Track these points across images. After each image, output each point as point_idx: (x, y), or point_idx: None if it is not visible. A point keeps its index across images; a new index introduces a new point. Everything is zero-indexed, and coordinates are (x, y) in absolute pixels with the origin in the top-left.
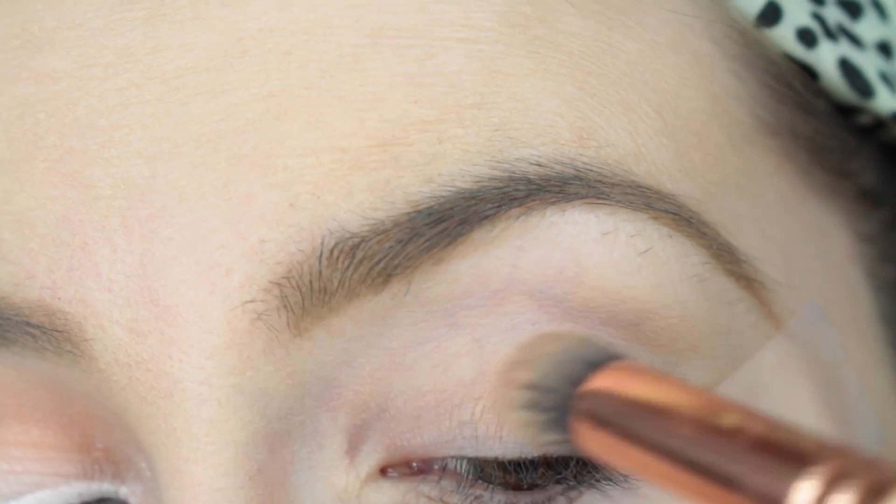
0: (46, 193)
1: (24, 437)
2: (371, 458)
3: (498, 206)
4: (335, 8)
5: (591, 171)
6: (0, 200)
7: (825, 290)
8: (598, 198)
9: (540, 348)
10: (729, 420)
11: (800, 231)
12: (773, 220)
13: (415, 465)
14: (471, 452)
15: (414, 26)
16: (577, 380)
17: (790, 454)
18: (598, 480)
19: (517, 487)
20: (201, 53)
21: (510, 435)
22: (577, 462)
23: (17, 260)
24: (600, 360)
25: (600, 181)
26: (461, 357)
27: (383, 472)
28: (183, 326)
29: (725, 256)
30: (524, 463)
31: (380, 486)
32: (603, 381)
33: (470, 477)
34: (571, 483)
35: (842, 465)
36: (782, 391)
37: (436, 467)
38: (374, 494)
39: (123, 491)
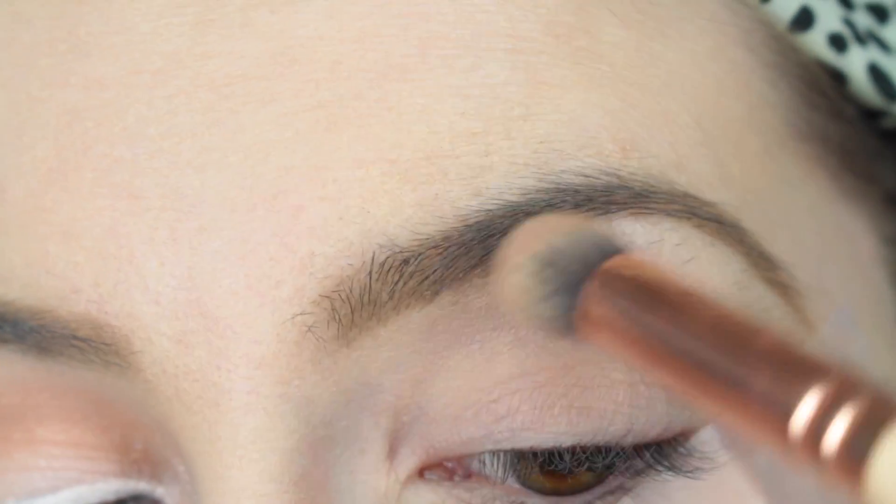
0: (94, 204)
1: (64, 437)
2: (409, 460)
3: None
4: (384, 17)
5: (636, 181)
6: (47, 211)
7: (853, 293)
8: (643, 208)
9: (556, 228)
10: (745, 325)
11: (830, 235)
12: (806, 226)
13: (450, 465)
14: (507, 445)
15: (461, 36)
16: (590, 263)
17: (801, 366)
18: (631, 487)
19: (556, 492)
20: (251, 61)
21: (546, 424)
22: (615, 454)
23: (63, 273)
24: (613, 251)
25: (645, 191)
26: (502, 354)
27: (421, 474)
28: (231, 338)
29: (762, 264)
30: (559, 453)
31: (418, 489)
32: (616, 265)
33: (509, 483)
34: (610, 487)
35: (848, 383)
36: None
37: (474, 471)
38: (412, 497)
39: (160, 491)
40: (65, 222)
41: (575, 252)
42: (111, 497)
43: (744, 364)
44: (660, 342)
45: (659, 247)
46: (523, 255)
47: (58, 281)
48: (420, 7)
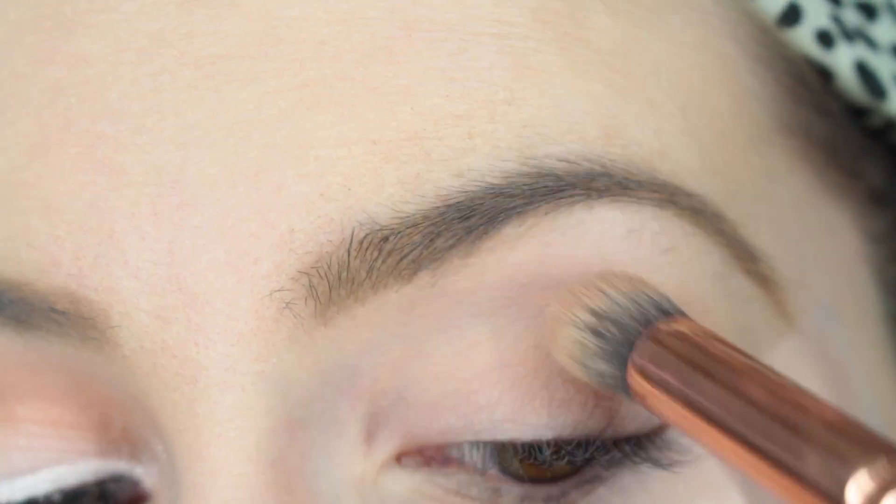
0: (76, 179)
1: (43, 415)
2: (387, 445)
3: (527, 203)
4: None
5: (618, 168)
6: (29, 185)
7: (835, 288)
8: (624, 195)
9: (613, 283)
10: (798, 398)
11: (812, 230)
12: (788, 220)
13: (428, 453)
14: (487, 436)
15: (447, 20)
16: (646, 321)
17: (853, 444)
18: (606, 478)
19: (533, 480)
20: (235, 41)
21: (526, 416)
22: (595, 447)
23: (43, 246)
24: (670, 310)
25: (627, 178)
26: (480, 344)
27: (398, 460)
28: (210, 314)
29: (743, 255)
30: (538, 446)
31: (395, 474)
32: (674, 327)
33: (487, 470)
34: (586, 476)
35: None
36: None
37: (452, 457)
38: (389, 482)
39: (139, 471)
40: (46, 196)
41: (631, 308)
42: (90, 477)
43: (795, 439)
44: (711, 411)
45: (638, 235)
46: (578, 307)
47: (38, 254)
48: None
